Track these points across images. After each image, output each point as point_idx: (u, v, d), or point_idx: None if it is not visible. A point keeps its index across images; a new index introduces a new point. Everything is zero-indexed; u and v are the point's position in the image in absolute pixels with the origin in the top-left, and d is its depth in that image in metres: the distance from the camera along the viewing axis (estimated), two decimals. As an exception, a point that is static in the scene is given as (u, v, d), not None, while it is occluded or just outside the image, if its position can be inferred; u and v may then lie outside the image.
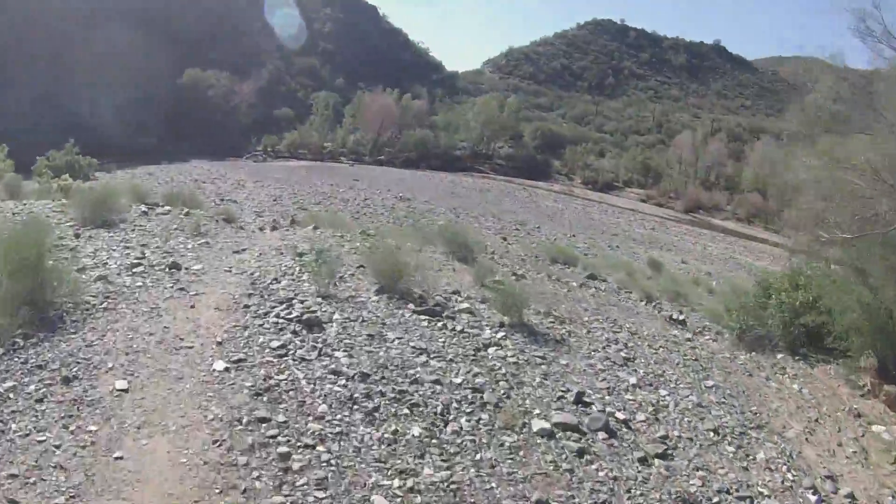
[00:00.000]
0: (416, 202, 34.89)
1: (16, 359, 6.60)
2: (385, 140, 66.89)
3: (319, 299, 9.13)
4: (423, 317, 9.35)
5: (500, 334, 9.31)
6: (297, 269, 10.33)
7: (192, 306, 8.50)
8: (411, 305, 9.61)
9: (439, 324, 9.22)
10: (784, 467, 7.40)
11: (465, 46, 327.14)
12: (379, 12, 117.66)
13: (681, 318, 12.78)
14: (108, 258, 9.92)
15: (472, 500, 5.76)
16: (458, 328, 9.21)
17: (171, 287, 9.09)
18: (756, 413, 8.57)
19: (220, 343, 7.52)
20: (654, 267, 24.73)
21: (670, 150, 75.74)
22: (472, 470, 6.09)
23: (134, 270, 9.47)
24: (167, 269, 9.75)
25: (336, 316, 8.69)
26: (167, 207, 14.42)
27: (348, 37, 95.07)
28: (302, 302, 8.91)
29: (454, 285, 11.24)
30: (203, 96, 62.35)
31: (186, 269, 9.99)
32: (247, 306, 8.58)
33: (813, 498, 6.94)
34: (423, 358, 8.06)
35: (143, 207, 13.97)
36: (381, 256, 10.37)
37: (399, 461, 5.97)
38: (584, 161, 73.02)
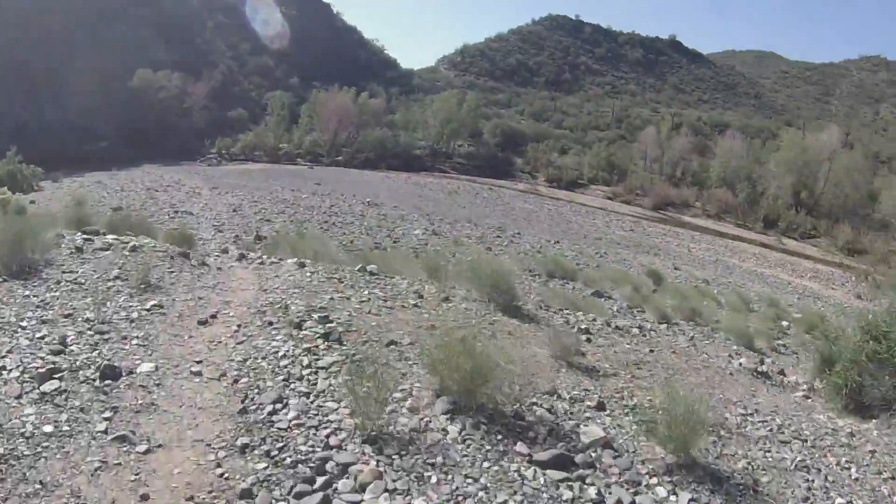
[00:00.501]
0: (385, 208, 32.39)
1: None
2: (342, 140, 64.34)
3: (369, 449, 5.31)
4: (550, 473, 5.47)
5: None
6: (303, 359, 6.71)
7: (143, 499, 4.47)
8: (520, 445, 5.75)
9: (579, 488, 5.38)
10: None
11: (419, 44, 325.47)
12: (332, 10, 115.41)
13: (762, 368, 10.33)
14: (4, 357, 6.00)
15: None
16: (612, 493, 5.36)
17: (103, 435, 5.05)
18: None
19: None
20: (654, 277, 22.76)
21: (634, 146, 74.08)
22: None
23: (44, 391, 5.52)
24: (96, 383, 5.80)
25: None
26: (109, 238, 11.00)
27: (302, 35, 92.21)
28: (345, 471, 5.04)
29: (537, 371, 7.52)
30: (154, 98, 59.07)
31: (130, 373, 6.06)
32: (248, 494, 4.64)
33: None
34: None
35: (79, 239, 10.46)
36: (448, 350, 6.23)
37: None
38: (548, 158, 70.87)
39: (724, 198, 57.14)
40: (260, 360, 6.70)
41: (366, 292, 9.85)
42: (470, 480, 5.17)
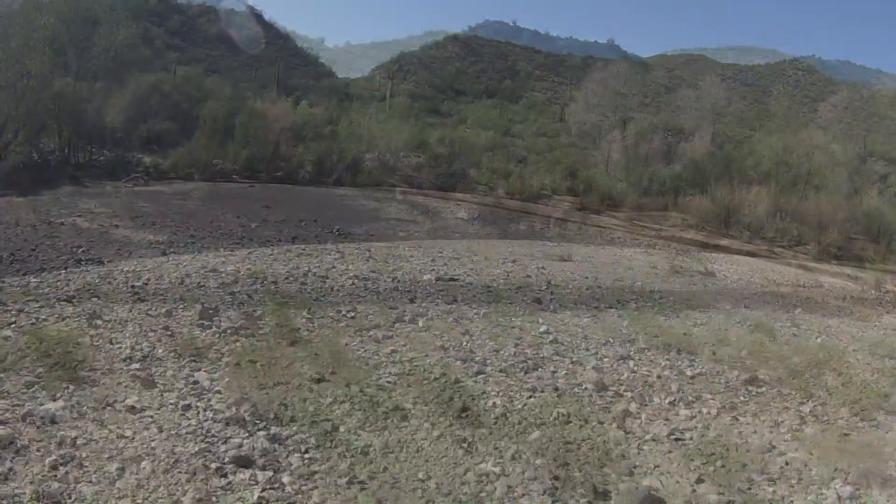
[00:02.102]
0: (377, 250, 24.28)
1: None
2: (282, 153, 56.20)
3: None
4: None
5: None
6: None
7: None
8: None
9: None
10: None
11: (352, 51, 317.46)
12: (265, 17, 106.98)
13: None
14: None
15: None
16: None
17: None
18: None
19: None
20: (767, 333, 15.75)
21: (598, 153, 67.03)
22: None
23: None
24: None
25: None
26: None
27: (234, 44, 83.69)
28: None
29: None
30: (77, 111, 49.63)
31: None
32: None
33: None
34: None
35: None
36: None
37: None
38: (506, 169, 63.25)
39: (701, 205, 50.27)
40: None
41: None
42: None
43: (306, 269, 18.61)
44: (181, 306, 13.45)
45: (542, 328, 14.55)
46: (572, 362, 12.41)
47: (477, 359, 11.93)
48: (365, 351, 11.85)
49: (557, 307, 17.36)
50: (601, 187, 41.07)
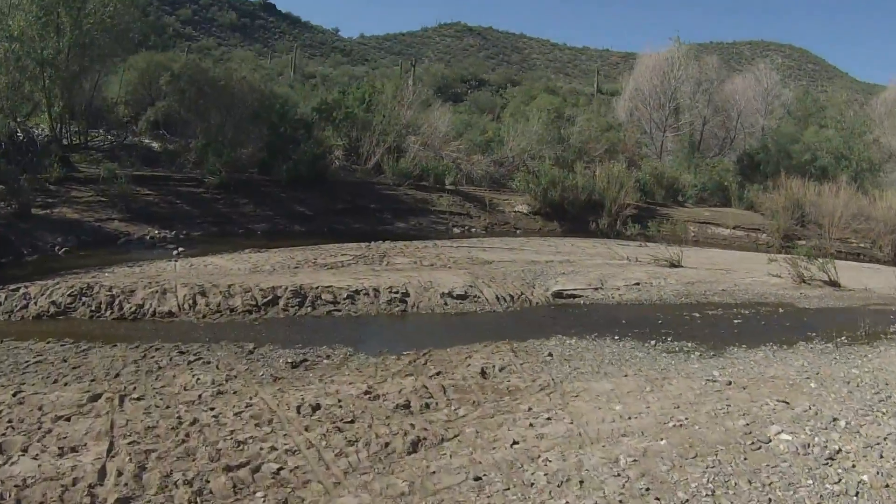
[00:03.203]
0: (446, 250, 19.06)
1: None
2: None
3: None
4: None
5: None
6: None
7: None
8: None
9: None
10: None
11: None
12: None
13: None
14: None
15: None
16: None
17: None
18: None
19: None
20: None
21: (652, 143, 60.91)
22: None
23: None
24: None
25: None
26: None
27: (247, 31, 77.95)
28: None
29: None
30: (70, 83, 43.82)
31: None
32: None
33: None
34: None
35: None
36: None
37: None
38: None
39: (777, 202, 44.47)
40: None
41: None
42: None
43: (369, 284, 12.93)
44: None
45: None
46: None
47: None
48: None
49: (728, 343, 11.74)
50: (667, 180, 35.26)
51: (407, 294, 12.67)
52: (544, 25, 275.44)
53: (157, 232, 19.20)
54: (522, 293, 13.73)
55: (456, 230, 24.74)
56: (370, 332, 11.27)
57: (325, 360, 9.21)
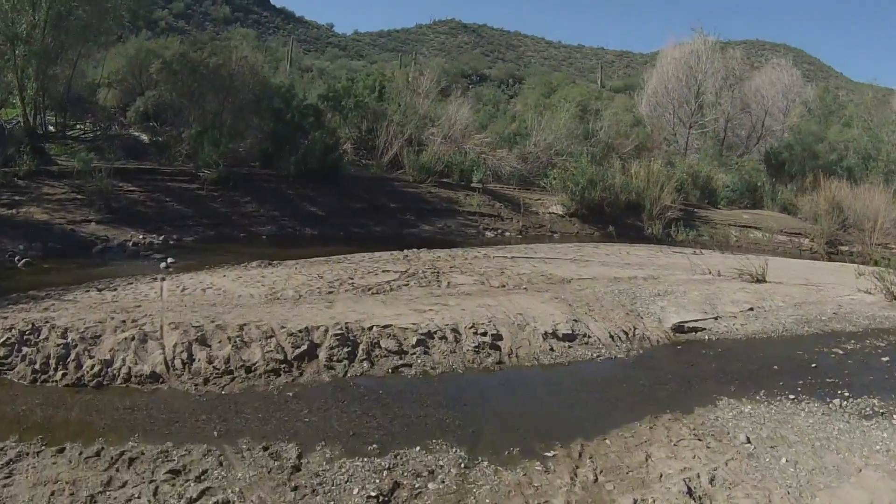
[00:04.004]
0: (498, 261, 15.66)
1: None
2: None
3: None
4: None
5: None
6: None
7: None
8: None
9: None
10: None
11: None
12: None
13: None
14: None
15: None
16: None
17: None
18: None
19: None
20: None
21: (676, 141, 57.47)
22: None
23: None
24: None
25: None
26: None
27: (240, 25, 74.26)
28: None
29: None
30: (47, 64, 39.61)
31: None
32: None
33: None
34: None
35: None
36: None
37: None
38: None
39: (817, 204, 41.00)
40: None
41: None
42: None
43: (441, 321, 9.21)
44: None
45: None
46: None
47: None
48: None
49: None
50: (702, 179, 31.63)
51: (498, 336, 8.93)
52: (539, 23, 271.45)
53: (141, 237, 15.43)
54: (634, 327, 10.08)
55: (489, 234, 21.11)
56: (469, 407, 7.28)
57: (430, 484, 5.47)
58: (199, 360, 7.37)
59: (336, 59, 75.73)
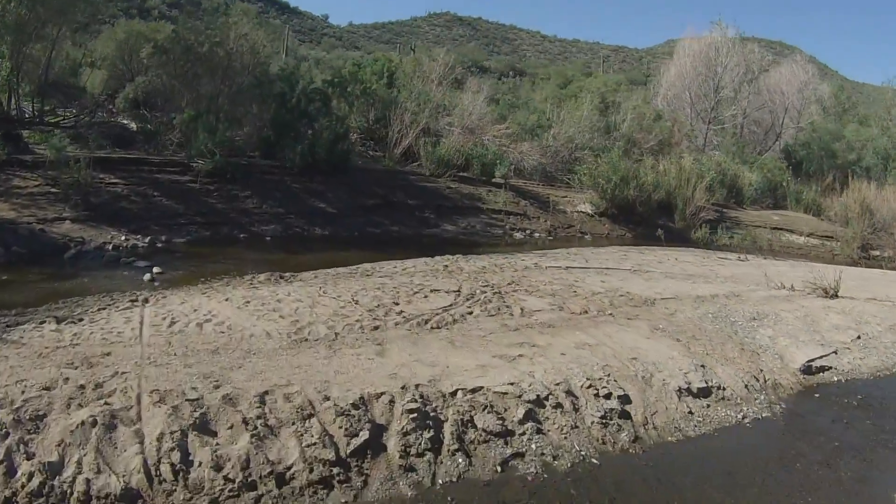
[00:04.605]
0: (566, 274, 13.08)
1: None
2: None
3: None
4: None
5: None
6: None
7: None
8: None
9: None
10: None
11: None
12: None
13: None
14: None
15: None
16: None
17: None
18: None
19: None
20: None
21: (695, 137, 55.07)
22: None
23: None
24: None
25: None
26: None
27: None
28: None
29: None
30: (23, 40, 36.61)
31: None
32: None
33: None
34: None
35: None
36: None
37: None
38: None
39: (847, 206, 38.53)
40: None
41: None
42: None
43: (543, 377, 6.68)
44: None
45: None
46: None
47: None
48: None
49: None
50: (729, 178, 29.19)
51: (626, 398, 6.35)
52: (533, 17, 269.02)
53: (123, 238, 12.92)
54: (760, 370, 7.70)
55: (517, 235, 18.70)
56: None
57: None
58: (199, 465, 4.62)
59: (333, 50, 73.11)
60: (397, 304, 8.36)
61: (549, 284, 10.44)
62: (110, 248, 12.43)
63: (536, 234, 19.08)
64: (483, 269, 11.43)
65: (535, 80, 55.30)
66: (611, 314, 8.94)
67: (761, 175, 31.13)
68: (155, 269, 10.72)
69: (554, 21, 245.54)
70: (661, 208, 22.91)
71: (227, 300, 8.03)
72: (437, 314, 8.11)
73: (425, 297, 8.86)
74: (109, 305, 8.03)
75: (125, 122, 20.22)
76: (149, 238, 13.10)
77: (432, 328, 7.59)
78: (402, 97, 22.46)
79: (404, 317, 7.86)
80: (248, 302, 7.98)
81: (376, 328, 7.39)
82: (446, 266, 11.45)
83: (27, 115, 18.83)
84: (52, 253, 11.76)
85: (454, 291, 9.28)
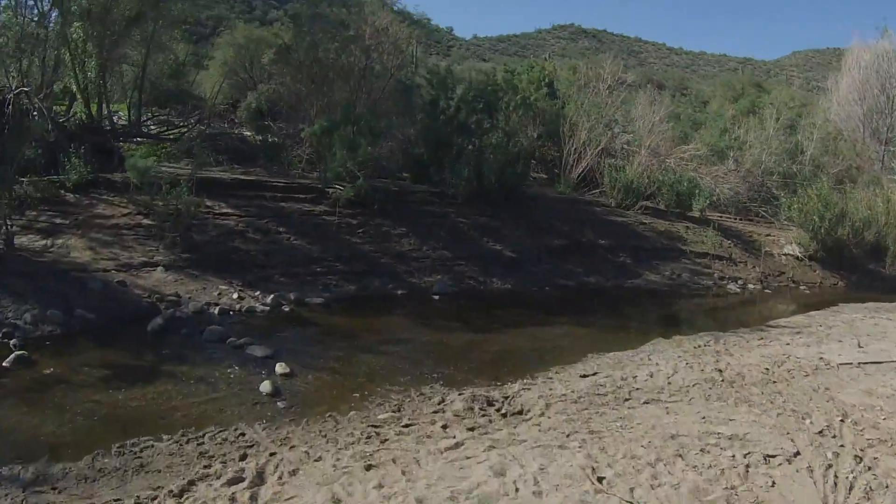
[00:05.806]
0: None
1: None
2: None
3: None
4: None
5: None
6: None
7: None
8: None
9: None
10: None
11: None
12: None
13: None
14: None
15: None
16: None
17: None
18: None
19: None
20: None
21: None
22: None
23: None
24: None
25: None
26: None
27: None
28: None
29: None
30: None
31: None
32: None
33: None
34: None
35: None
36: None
37: None
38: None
39: None
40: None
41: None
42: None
43: None
44: None
45: None
46: None
47: None
48: None
49: None
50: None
51: None
52: (658, 29, 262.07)
53: (235, 295, 8.89)
54: None
55: (730, 287, 14.01)
56: None
57: None
58: None
59: (464, 61, 69.56)
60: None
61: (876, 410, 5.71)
62: (216, 311, 8.43)
63: (749, 286, 14.31)
64: (765, 371, 6.77)
65: (675, 94, 49.99)
66: None
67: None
68: (278, 368, 6.46)
69: (678, 32, 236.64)
70: (872, 251, 17.77)
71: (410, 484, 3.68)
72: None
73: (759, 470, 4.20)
74: (199, 481, 3.93)
75: (245, 133, 16.40)
76: (271, 296, 8.98)
77: None
78: (569, 110, 17.92)
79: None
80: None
81: None
82: (717, 367, 6.83)
83: (121, 125, 15.12)
84: (131, 318, 7.86)
85: (792, 455, 4.63)
